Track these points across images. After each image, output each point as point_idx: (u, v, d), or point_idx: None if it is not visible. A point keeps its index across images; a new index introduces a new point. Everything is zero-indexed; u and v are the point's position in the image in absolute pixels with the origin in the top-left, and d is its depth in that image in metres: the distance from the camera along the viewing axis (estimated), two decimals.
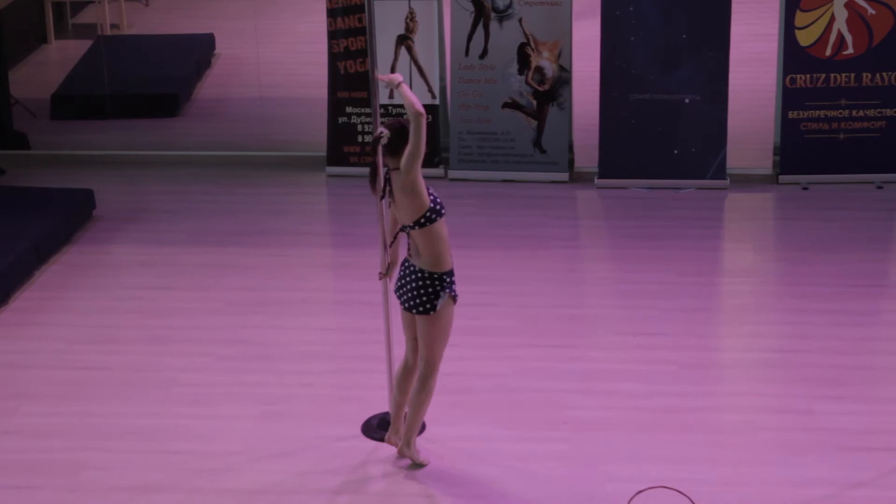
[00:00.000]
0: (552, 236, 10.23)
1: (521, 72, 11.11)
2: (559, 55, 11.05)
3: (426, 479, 7.21)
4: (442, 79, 11.33)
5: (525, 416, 7.78)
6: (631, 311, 9.04)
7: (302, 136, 12.20)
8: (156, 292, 9.44)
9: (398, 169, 6.92)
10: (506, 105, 11.19)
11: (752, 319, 9.00)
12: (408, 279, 7.05)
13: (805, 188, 10.96)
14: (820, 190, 10.91)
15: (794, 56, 10.87)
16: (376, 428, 7.63)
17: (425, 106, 11.32)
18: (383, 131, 6.94)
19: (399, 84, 6.93)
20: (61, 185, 10.91)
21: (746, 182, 11.07)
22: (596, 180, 11.10)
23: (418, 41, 11.17)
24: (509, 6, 11.05)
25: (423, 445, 7.41)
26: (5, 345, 8.76)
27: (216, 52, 14.35)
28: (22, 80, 13.46)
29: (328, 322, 9.10)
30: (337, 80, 11.42)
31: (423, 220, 6.92)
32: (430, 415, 7.52)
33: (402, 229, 7.07)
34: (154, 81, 13.12)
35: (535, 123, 11.16)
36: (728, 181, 10.99)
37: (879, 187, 10.93)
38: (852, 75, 10.87)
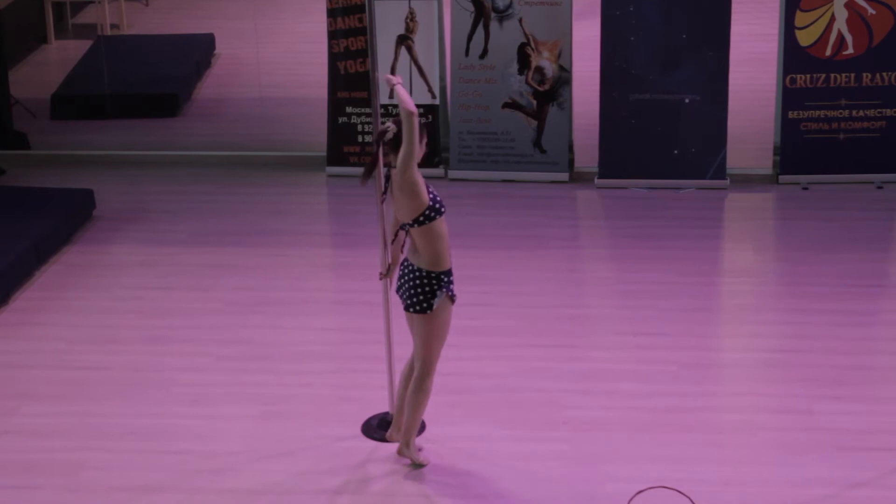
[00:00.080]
0: (552, 236, 10.22)
1: (521, 72, 11.11)
2: (559, 55, 11.04)
3: (426, 479, 7.20)
4: (442, 79, 11.32)
5: (525, 416, 7.77)
6: (631, 311, 9.04)
7: (302, 136, 12.19)
8: (156, 292, 9.43)
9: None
10: (506, 105, 11.19)
11: (752, 319, 8.99)
12: (406, 278, 7.05)
13: (805, 188, 10.95)
14: (820, 190, 10.90)
15: (794, 56, 10.86)
16: (376, 428, 7.63)
17: (426, 106, 11.44)
18: (390, 126, 6.93)
19: (395, 85, 6.93)
20: (61, 185, 10.90)
21: (746, 182, 11.07)
22: (596, 180, 11.09)
23: (418, 41, 11.17)
24: (509, 6, 11.05)
25: (423, 445, 7.41)
26: (5, 345, 8.76)
27: (216, 52, 14.34)
28: (22, 80, 13.44)
29: (328, 322, 9.09)
30: (337, 80, 11.42)
31: (422, 219, 6.92)
32: (430, 415, 7.52)
33: (402, 227, 7.08)
34: (154, 81, 13.11)
35: (535, 123, 11.15)
36: (728, 181, 10.98)
37: (879, 187, 10.93)
38: (852, 75, 10.86)
